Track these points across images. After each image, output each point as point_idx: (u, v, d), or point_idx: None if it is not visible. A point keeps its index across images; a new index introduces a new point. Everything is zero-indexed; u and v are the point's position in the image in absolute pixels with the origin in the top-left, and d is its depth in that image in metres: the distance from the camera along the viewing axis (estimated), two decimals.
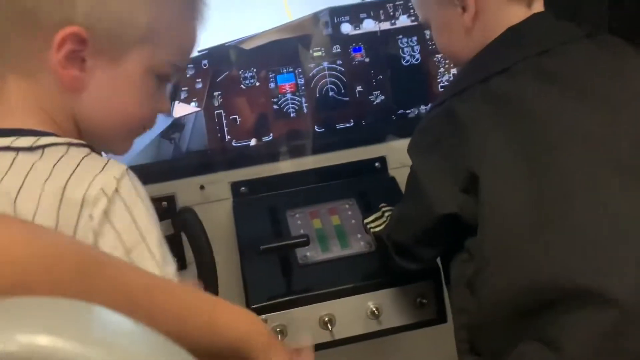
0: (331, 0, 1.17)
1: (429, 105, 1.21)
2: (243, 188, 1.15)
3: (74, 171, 0.50)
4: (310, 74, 1.17)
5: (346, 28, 1.17)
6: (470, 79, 0.77)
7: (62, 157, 0.51)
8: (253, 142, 1.18)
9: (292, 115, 1.18)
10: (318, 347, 0.96)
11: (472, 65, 0.80)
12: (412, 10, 1.19)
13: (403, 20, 1.19)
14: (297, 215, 1.10)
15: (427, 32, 1.20)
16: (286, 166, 1.18)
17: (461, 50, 0.82)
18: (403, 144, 1.17)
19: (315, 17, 1.16)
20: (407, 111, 1.21)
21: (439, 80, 1.22)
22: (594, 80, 0.74)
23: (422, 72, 1.21)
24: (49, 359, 0.23)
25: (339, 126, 1.20)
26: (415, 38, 1.19)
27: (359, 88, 1.19)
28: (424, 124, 0.83)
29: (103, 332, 0.26)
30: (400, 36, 1.19)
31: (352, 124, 1.20)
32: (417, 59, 1.20)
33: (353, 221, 1.08)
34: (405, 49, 1.20)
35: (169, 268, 0.51)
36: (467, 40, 0.80)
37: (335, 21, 1.17)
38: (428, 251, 0.85)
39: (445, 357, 1.25)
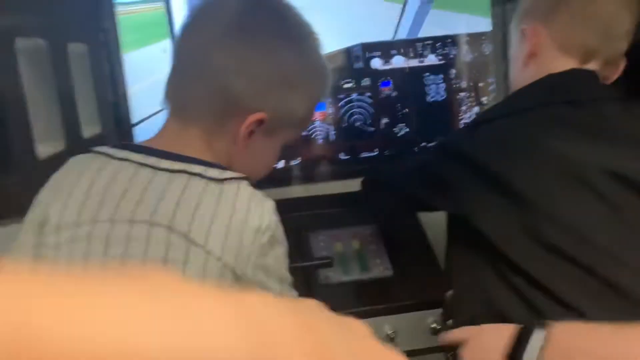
0: (362, 35, 1.24)
1: None
2: None
3: (249, 203, 0.65)
4: (340, 104, 1.24)
5: (376, 63, 1.24)
6: (496, 111, 0.85)
7: (240, 189, 0.66)
8: (281, 164, 1.23)
9: (319, 141, 1.24)
10: None
11: (505, 99, 0.88)
12: (439, 50, 1.25)
13: (431, 59, 1.25)
14: (320, 238, 1.14)
15: (453, 71, 1.26)
16: (311, 189, 1.23)
17: (515, 81, 0.92)
18: None
19: (348, 51, 1.23)
20: (429, 144, 1.26)
21: (461, 117, 1.27)
22: (617, 128, 0.79)
23: (446, 108, 1.27)
24: None
25: (363, 155, 1.25)
26: (441, 76, 1.26)
27: (384, 120, 1.25)
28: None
29: None
30: (427, 73, 1.25)
31: (376, 153, 1.25)
32: (442, 96, 1.26)
33: (374, 246, 1.13)
34: (431, 86, 1.26)
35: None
36: (522, 74, 0.89)
37: (367, 56, 1.23)
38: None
39: None
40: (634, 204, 0.75)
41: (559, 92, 0.82)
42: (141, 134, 1.21)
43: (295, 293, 0.75)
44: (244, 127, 0.67)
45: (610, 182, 0.75)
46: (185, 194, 0.63)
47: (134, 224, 0.62)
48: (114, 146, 0.69)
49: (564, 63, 0.84)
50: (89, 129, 1.10)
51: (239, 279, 0.65)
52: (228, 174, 0.66)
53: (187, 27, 0.69)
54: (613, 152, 0.77)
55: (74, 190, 0.65)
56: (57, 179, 0.67)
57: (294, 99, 0.69)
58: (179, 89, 0.69)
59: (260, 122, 0.67)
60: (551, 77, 0.83)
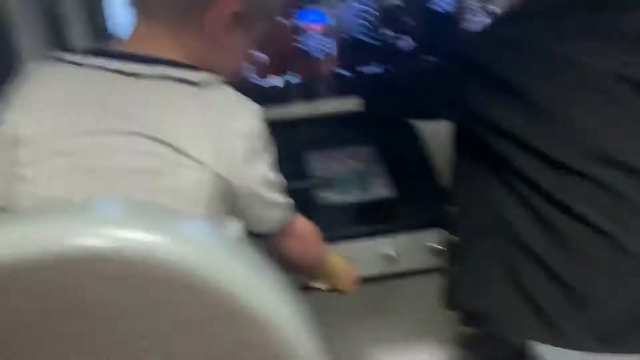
0: None
1: None
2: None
3: (234, 107, 0.63)
4: (340, 15, 1.15)
5: None
6: (509, 17, 0.85)
7: (222, 93, 0.64)
8: (277, 81, 1.17)
9: (318, 56, 1.17)
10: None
11: (518, 4, 0.85)
12: None
13: None
14: (319, 158, 1.11)
15: None
16: (310, 108, 1.18)
17: None
18: None
19: None
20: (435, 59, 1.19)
21: (470, 29, 1.19)
22: None
23: (454, 19, 1.18)
24: (135, 250, 0.25)
25: (365, 70, 1.19)
26: None
27: (388, 32, 1.17)
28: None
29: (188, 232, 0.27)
30: None
31: (380, 69, 1.18)
32: (451, 5, 1.17)
33: (374, 167, 1.09)
34: None
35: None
36: None
37: None
38: None
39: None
40: None
41: None
42: None
43: (288, 200, 0.74)
44: (219, 19, 0.64)
45: (623, 86, 0.74)
46: (169, 101, 0.60)
47: (117, 135, 0.59)
48: (85, 52, 0.64)
49: None
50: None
51: (232, 186, 0.63)
52: (210, 77, 0.64)
53: None
54: (627, 57, 0.75)
55: (47, 103, 0.61)
56: (24, 93, 0.62)
57: None
58: None
59: (235, 14, 0.65)
60: None
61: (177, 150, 0.59)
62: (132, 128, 0.59)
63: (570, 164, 0.75)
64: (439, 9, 1.17)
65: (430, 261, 1.02)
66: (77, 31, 1.08)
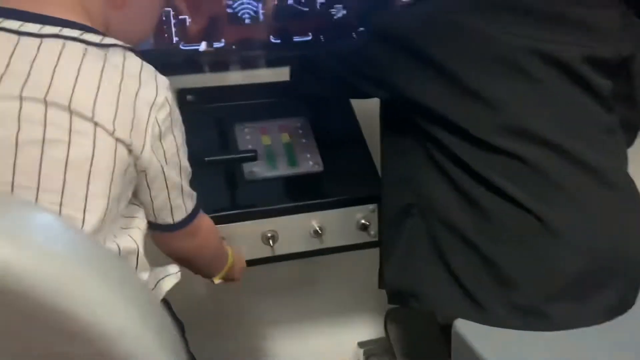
0: None
1: None
2: (190, 96, 1.08)
3: (140, 74, 0.58)
4: None
5: None
6: None
7: (125, 59, 0.58)
8: (203, 46, 1.10)
9: (247, 21, 1.10)
10: (258, 262, 0.97)
11: None
12: None
13: None
14: (246, 130, 1.06)
15: None
16: (237, 77, 1.13)
17: None
18: None
19: None
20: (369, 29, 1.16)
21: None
22: None
23: None
24: None
25: (296, 39, 1.14)
26: None
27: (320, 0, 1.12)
28: None
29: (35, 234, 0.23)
30: None
31: (310, 37, 1.14)
32: None
33: (304, 140, 1.06)
34: None
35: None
36: None
37: None
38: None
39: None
40: (557, 79, 0.76)
41: None
42: None
43: (193, 192, 0.69)
44: None
45: (536, 60, 0.75)
46: (61, 61, 0.54)
47: (3, 101, 0.53)
48: None
49: None
50: None
51: (136, 160, 0.58)
52: (110, 40, 0.58)
53: None
54: (540, 32, 0.76)
55: None
56: None
57: None
58: None
59: None
60: None
61: (73, 114, 0.53)
62: (20, 91, 0.53)
63: (489, 139, 0.75)
64: None
65: (359, 237, 1.01)
66: None
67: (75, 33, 0.57)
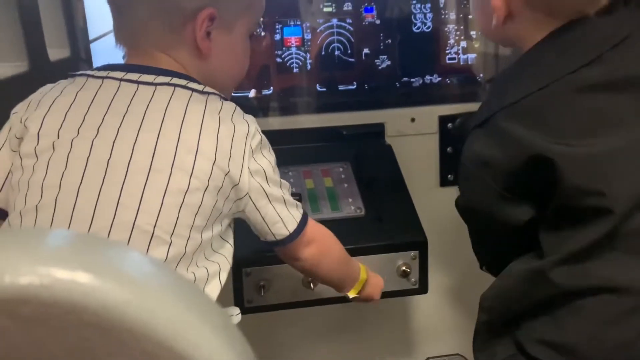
0: None
1: (434, 75, 1.19)
2: None
3: (233, 116, 0.67)
4: (318, 30, 1.14)
5: None
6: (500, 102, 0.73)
7: (223, 103, 0.68)
8: (252, 93, 1.15)
9: (294, 70, 1.15)
10: (298, 305, 0.98)
11: (505, 85, 0.76)
12: None
13: None
14: (290, 173, 1.09)
15: (442, 0, 1.17)
16: (283, 122, 1.16)
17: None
18: (403, 112, 1.17)
19: None
20: (412, 79, 1.19)
21: (447, 51, 1.19)
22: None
23: (432, 40, 1.18)
24: (67, 291, 0.22)
25: (341, 87, 1.18)
26: (429, 5, 1.16)
27: (365, 50, 1.16)
28: None
29: (115, 266, 0.25)
30: (415, 1, 1.16)
31: (355, 86, 1.18)
32: (429, 27, 1.17)
33: (345, 185, 1.08)
34: (418, 15, 1.16)
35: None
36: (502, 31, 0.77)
37: None
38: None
39: (422, 325, 1.28)
40: None
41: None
42: (100, 52, 1.11)
43: (297, 202, 0.75)
44: (198, 26, 0.67)
45: None
46: (171, 104, 0.64)
47: (120, 130, 0.63)
48: (93, 69, 0.70)
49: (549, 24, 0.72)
50: (56, 51, 1.06)
51: (234, 186, 0.66)
52: (209, 89, 0.68)
53: None
54: None
55: (56, 104, 0.65)
56: (35, 96, 0.68)
57: None
58: (124, 27, 0.70)
59: (211, 18, 0.68)
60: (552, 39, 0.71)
61: (179, 146, 0.62)
62: (134, 125, 0.63)
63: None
64: (417, 29, 1.17)
65: (399, 284, 1.00)
66: (53, 34, 1.05)
67: (182, 82, 0.66)
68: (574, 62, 0.69)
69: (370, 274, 0.87)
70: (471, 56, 1.20)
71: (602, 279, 0.67)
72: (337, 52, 1.15)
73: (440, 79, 1.19)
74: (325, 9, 1.13)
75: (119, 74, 0.66)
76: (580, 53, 0.69)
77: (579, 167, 0.66)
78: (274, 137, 1.13)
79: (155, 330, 0.23)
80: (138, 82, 0.66)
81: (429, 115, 1.17)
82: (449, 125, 1.17)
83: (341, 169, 1.11)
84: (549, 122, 0.68)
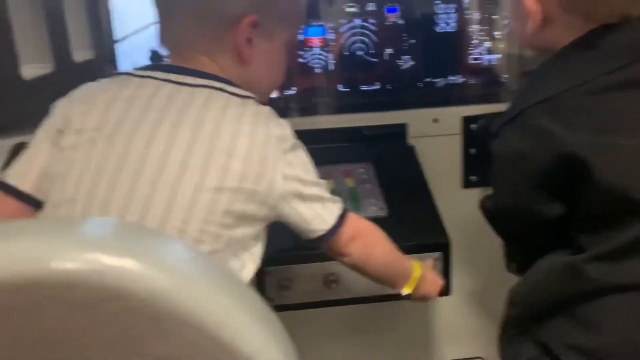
0: None
1: (457, 75, 1.18)
2: None
3: (268, 118, 0.69)
4: (341, 30, 1.14)
5: None
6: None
7: (259, 107, 0.70)
8: (274, 94, 1.15)
9: (317, 70, 1.15)
10: (320, 305, 0.98)
11: (536, 81, 0.76)
12: None
13: None
14: None
15: (466, 1, 1.16)
16: (305, 122, 1.16)
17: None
18: (426, 112, 1.16)
19: None
20: (435, 80, 1.18)
21: (471, 52, 1.18)
22: None
23: (456, 41, 1.17)
24: (115, 277, 0.23)
25: (363, 87, 1.17)
26: (453, 5, 1.15)
27: (388, 50, 1.16)
28: None
29: (160, 253, 0.25)
30: (438, 1, 1.15)
31: (378, 87, 1.17)
32: (452, 27, 1.16)
33: (367, 185, 1.07)
34: (441, 16, 1.16)
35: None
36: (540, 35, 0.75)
37: None
38: None
39: (443, 328, 1.27)
40: None
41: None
42: (126, 54, 1.13)
43: (336, 197, 0.76)
44: (241, 32, 0.69)
45: None
46: (209, 106, 0.66)
47: (159, 127, 0.64)
48: (135, 68, 0.73)
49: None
50: (80, 52, 1.07)
51: (270, 188, 0.67)
52: (246, 92, 0.70)
53: None
54: None
55: (97, 100, 0.67)
56: (78, 92, 0.70)
57: None
58: (168, 31, 0.73)
59: (253, 24, 0.70)
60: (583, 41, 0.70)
61: (215, 150, 0.64)
62: (172, 123, 0.64)
63: None
64: (441, 30, 1.17)
65: None
66: (78, 35, 1.07)
67: (221, 85, 0.69)
68: (611, 63, 0.68)
69: (426, 271, 0.86)
70: (495, 57, 1.19)
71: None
72: (359, 52, 1.15)
73: (463, 79, 1.18)
74: (348, 10, 1.13)
75: (160, 74, 0.69)
76: (619, 54, 0.68)
77: (614, 166, 0.65)
78: (296, 137, 1.15)
79: (200, 320, 0.24)
80: (178, 83, 0.68)
81: (452, 116, 1.17)
82: (473, 126, 1.16)
83: (363, 170, 1.11)
84: (583, 119, 0.67)
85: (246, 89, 0.71)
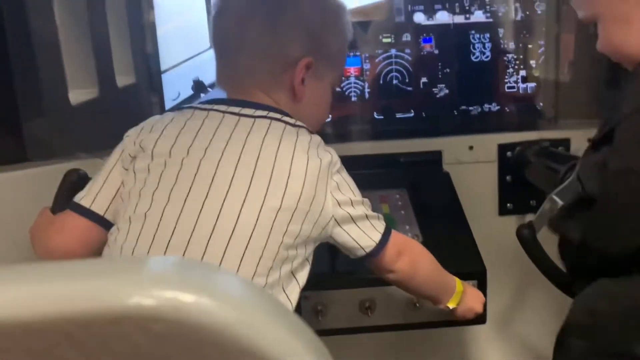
0: None
1: (493, 103, 1.19)
2: None
3: (318, 147, 0.74)
4: (377, 60, 1.17)
5: (419, 17, 1.16)
6: None
7: (311, 136, 0.75)
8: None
9: (353, 99, 1.18)
10: (355, 331, 0.98)
11: None
12: (487, 6, 1.16)
13: (478, 16, 1.17)
14: None
15: (501, 30, 1.18)
16: (341, 148, 1.17)
17: (636, 46, 0.75)
18: (461, 140, 1.18)
19: (389, 3, 1.16)
20: (470, 108, 1.19)
21: (506, 80, 1.19)
22: None
23: (491, 70, 1.19)
24: (191, 312, 0.25)
25: (398, 115, 1.19)
26: (487, 35, 1.17)
27: (423, 79, 1.18)
28: None
29: (228, 290, 0.28)
30: (473, 31, 1.17)
31: (412, 114, 1.19)
32: (487, 56, 1.18)
33: (402, 212, 1.08)
34: (477, 45, 1.18)
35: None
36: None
37: (409, 9, 1.15)
38: None
39: (478, 355, 1.25)
40: None
41: None
42: (169, 83, 1.18)
43: (378, 215, 0.79)
44: (297, 72, 0.75)
45: None
46: (268, 134, 0.72)
47: (224, 153, 0.70)
48: (199, 102, 0.78)
49: None
50: (122, 78, 1.11)
51: (322, 210, 0.71)
52: (300, 123, 0.75)
53: (217, 11, 0.80)
54: None
55: (168, 130, 0.73)
56: (149, 123, 0.76)
57: (329, 37, 0.78)
58: (229, 68, 0.78)
59: (308, 66, 0.76)
60: None
61: (272, 176, 0.68)
62: (237, 149, 0.70)
63: None
64: (475, 59, 1.18)
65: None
66: (120, 62, 1.12)
67: (277, 115, 0.74)
68: None
69: (467, 286, 0.88)
70: (530, 85, 1.19)
71: None
72: (395, 81, 1.18)
73: (499, 107, 1.19)
74: (384, 40, 1.16)
75: (222, 107, 0.75)
76: None
77: None
78: None
79: (262, 351, 0.26)
80: (240, 115, 0.73)
81: (488, 144, 1.17)
82: (509, 153, 1.17)
83: (398, 196, 1.12)
84: None
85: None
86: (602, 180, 0.71)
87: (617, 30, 0.77)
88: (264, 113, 0.74)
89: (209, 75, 1.16)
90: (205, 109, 0.75)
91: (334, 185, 0.73)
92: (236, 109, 0.74)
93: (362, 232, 0.76)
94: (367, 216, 0.77)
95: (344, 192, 0.74)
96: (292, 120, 0.75)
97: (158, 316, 0.24)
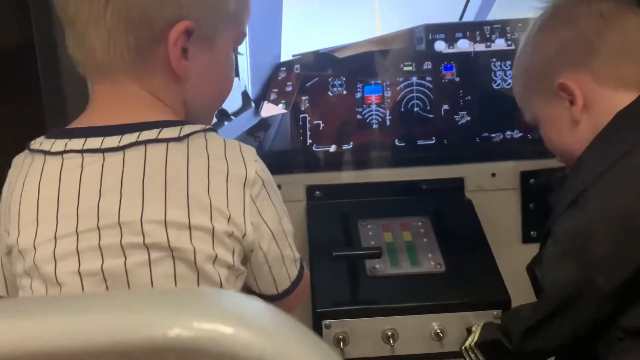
0: (422, 17, 1.17)
1: (515, 130, 1.19)
2: (318, 192, 1.17)
3: (225, 154, 0.57)
4: (398, 88, 1.18)
5: (440, 46, 1.17)
6: (588, 174, 0.76)
7: (207, 142, 0.57)
8: (333, 148, 1.19)
9: (374, 126, 1.19)
10: None
11: (588, 161, 0.79)
12: (508, 34, 1.17)
13: (499, 43, 1.17)
14: (369, 226, 1.10)
15: None
16: (363, 176, 1.19)
17: (571, 144, 0.82)
18: (483, 167, 1.17)
19: (410, 32, 1.17)
20: (492, 135, 1.19)
21: None
22: None
23: (512, 97, 1.18)
24: (229, 344, 0.25)
25: (420, 142, 1.20)
26: (509, 62, 1.17)
27: (445, 106, 1.18)
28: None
29: (264, 321, 0.28)
30: (494, 59, 1.17)
31: (434, 141, 1.19)
32: (509, 84, 1.18)
33: (424, 239, 1.08)
34: (498, 73, 1.18)
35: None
36: (576, 133, 0.80)
37: (430, 38, 1.16)
38: None
39: None
40: None
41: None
42: None
43: (297, 254, 0.67)
44: (171, 44, 0.55)
45: None
46: (147, 166, 0.55)
47: (108, 229, 0.55)
48: (49, 136, 0.59)
49: (622, 98, 0.77)
50: None
51: (247, 245, 0.58)
52: (188, 129, 0.57)
53: None
54: None
55: (38, 210, 0.56)
56: (7, 198, 0.60)
57: None
58: (81, 46, 0.57)
59: (188, 32, 0.56)
60: (622, 115, 0.76)
61: (166, 224, 0.54)
62: (118, 215, 0.54)
63: None
64: (497, 86, 1.18)
65: None
66: None
67: (153, 134, 0.56)
68: None
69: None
70: None
71: None
72: (416, 109, 1.18)
73: (521, 134, 1.19)
74: (405, 68, 1.17)
75: (78, 144, 0.56)
76: None
77: None
78: (352, 190, 1.18)
79: None
80: (103, 151, 0.55)
81: (510, 171, 1.17)
82: (532, 180, 1.16)
83: (420, 224, 1.11)
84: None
85: (190, 109, 0.61)
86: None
87: (552, 130, 0.84)
88: (133, 138, 0.55)
89: (229, 102, 1.17)
90: (57, 153, 0.57)
91: (254, 212, 0.59)
92: (96, 142, 0.55)
93: (270, 278, 0.64)
94: (283, 259, 0.64)
95: (268, 221, 0.61)
96: (175, 132, 0.56)
97: (198, 348, 0.24)
